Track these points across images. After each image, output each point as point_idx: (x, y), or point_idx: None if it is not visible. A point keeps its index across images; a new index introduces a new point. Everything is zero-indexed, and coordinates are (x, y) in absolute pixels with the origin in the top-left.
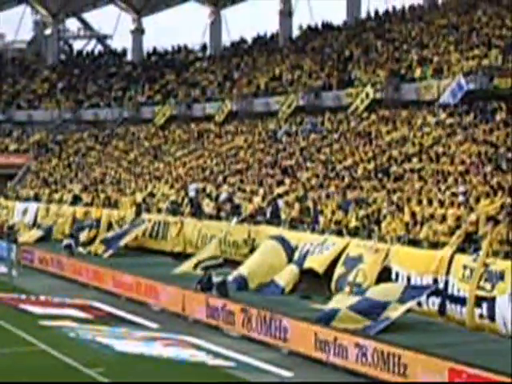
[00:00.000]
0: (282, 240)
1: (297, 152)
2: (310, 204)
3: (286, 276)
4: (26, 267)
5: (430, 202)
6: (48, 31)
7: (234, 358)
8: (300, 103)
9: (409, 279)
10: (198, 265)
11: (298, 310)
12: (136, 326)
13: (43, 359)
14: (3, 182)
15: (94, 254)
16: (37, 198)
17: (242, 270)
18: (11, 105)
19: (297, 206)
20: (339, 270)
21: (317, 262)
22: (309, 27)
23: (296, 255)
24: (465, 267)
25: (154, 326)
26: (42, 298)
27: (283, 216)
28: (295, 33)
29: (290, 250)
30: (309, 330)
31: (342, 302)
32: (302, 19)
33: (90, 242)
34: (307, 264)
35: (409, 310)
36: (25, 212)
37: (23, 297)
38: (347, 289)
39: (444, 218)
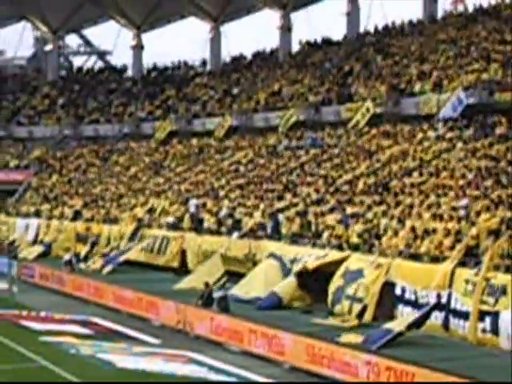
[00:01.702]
0: (278, 258)
1: (297, 167)
2: (310, 219)
3: (286, 288)
4: (26, 283)
5: (431, 217)
6: (48, 47)
7: (235, 374)
8: (300, 118)
9: (415, 294)
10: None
11: (299, 325)
12: (137, 342)
13: (43, 375)
14: (4, 199)
15: (92, 269)
16: (37, 214)
17: (241, 290)
18: (12, 121)
19: (297, 220)
20: (337, 282)
21: (310, 263)
22: (308, 42)
23: (294, 267)
24: (467, 281)
25: (155, 341)
26: (43, 314)
27: (284, 231)
28: (295, 48)
29: (286, 266)
30: (309, 346)
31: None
32: (301, 34)
33: (89, 257)
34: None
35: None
36: (25, 228)
37: (24, 313)
38: (347, 302)
39: (445, 232)
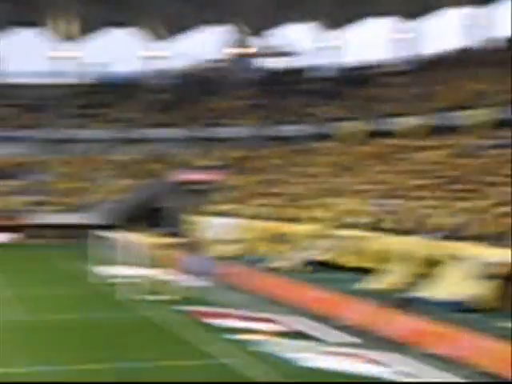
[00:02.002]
0: (467, 259)
1: (494, 167)
2: (504, 220)
3: (475, 290)
4: (219, 281)
5: None
6: (241, 50)
7: (420, 376)
8: (497, 117)
9: None
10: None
11: (485, 328)
12: (323, 341)
13: (221, 372)
14: (198, 198)
15: (282, 268)
16: (231, 214)
17: (429, 292)
18: (201, 122)
19: (496, 222)
20: None
21: (499, 266)
22: (507, 40)
23: (483, 269)
24: None
25: (341, 341)
26: (229, 311)
27: (482, 232)
28: (492, 46)
29: (475, 268)
30: (496, 349)
31: None
32: (500, 32)
33: (279, 256)
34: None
35: None
36: (220, 227)
37: (211, 310)
38: None
39: None
